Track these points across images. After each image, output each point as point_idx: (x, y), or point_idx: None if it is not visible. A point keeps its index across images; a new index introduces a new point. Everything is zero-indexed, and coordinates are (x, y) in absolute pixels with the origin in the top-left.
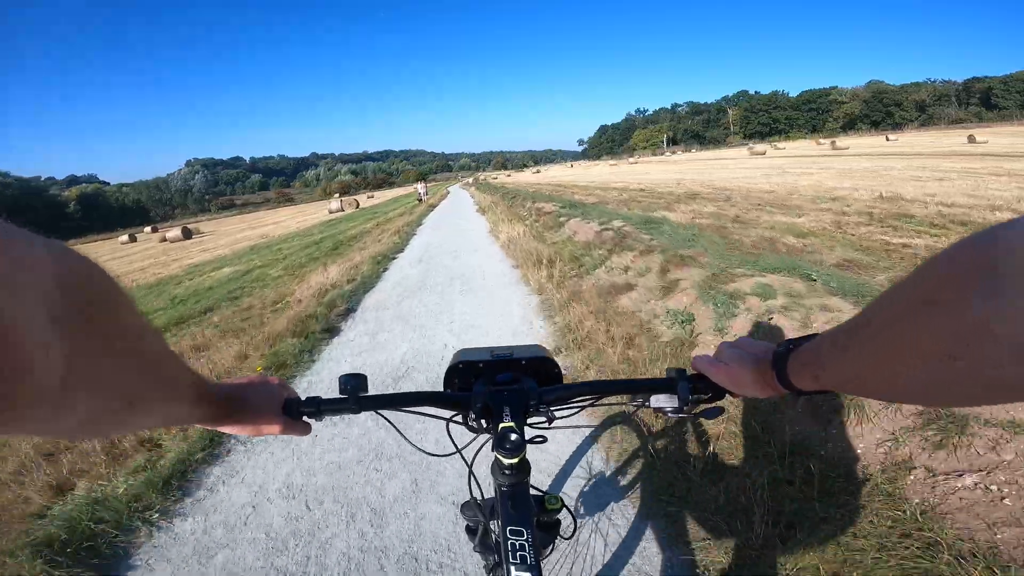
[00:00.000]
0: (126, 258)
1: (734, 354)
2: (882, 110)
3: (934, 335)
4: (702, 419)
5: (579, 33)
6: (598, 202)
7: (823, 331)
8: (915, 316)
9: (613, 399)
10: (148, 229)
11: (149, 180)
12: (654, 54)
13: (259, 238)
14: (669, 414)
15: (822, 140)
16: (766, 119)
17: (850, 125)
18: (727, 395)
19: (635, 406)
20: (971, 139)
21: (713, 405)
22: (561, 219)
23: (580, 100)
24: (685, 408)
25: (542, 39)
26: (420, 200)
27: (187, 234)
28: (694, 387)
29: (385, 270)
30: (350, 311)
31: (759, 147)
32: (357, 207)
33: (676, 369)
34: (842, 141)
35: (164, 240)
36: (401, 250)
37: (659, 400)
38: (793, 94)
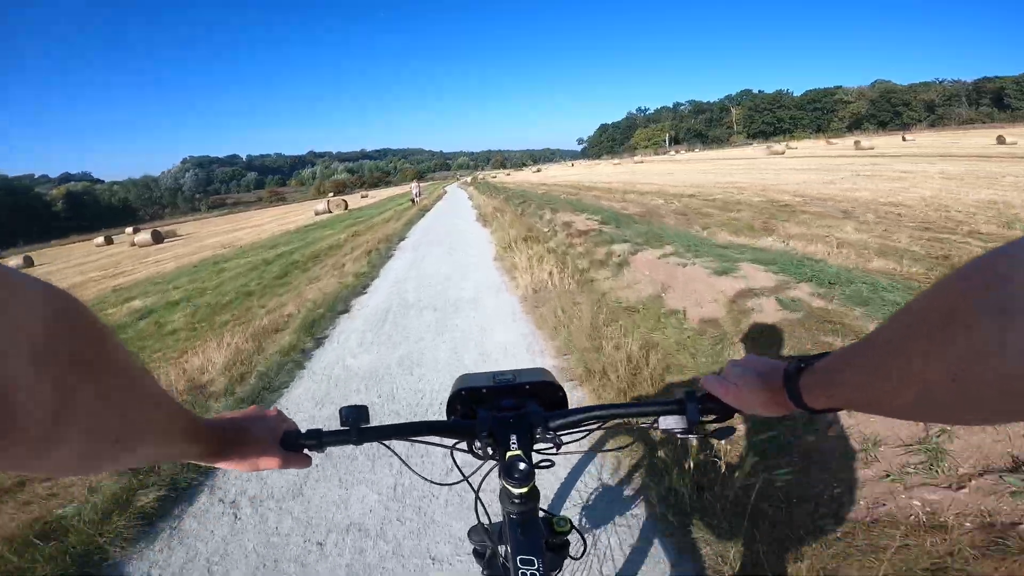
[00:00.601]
0: (78, 267)
1: (742, 373)
2: (890, 110)
3: (944, 355)
4: (713, 439)
5: (579, 32)
6: (644, 213)
7: (836, 349)
8: (926, 336)
9: (621, 422)
10: (130, 230)
11: (138, 179)
12: (655, 52)
13: (223, 247)
14: (679, 435)
15: (833, 140)
16: (771, 118)
17: (856, 125)
18: (736, 414)
19: (644, 428)
20: (1001, 140)
21: (723, 425)
22: (614, 248)
23: (579, 99)
24: (694, 429)
25: (541, 38)
26: (413, 202)
27: (157, 238)
28: (703, 407)
29: (319, 344)
30: (164, 517)
31: (777, 146)
32: (345, 208)
33: (685, 390)
34: (867, 141)
35: (133, 244)
36: (364, 289)
37: (668, 422)
38: (797, 93)
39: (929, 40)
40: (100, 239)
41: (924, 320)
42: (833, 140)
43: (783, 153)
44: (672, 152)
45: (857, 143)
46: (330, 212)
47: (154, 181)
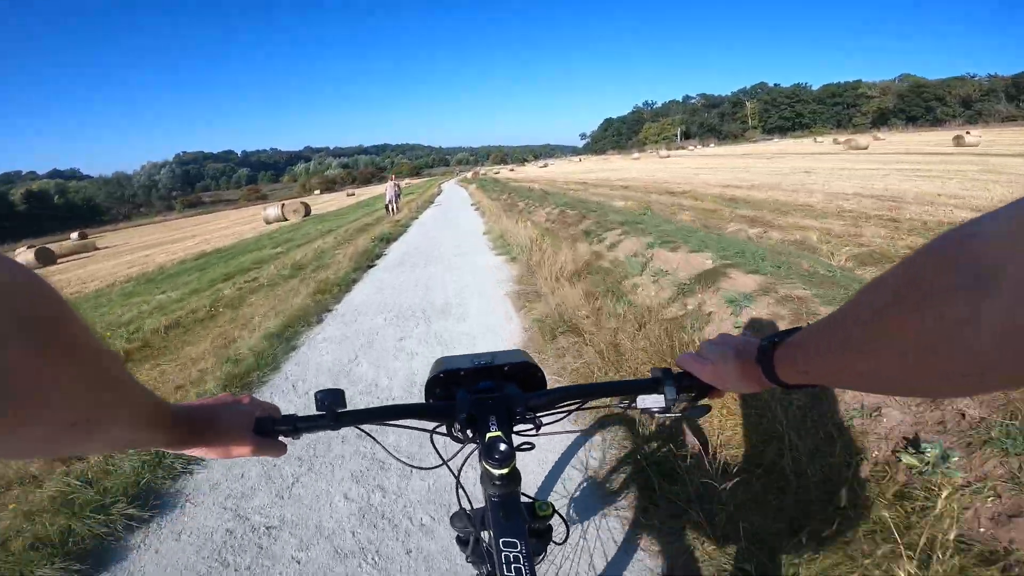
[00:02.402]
0: None
1: (718, 350)
2: (921, 105)
3: (918, 329)
4: (691, 417)
5: (579, 24)
6: None
7: (808, 324)
8: (899, 310)
9: (600, 402)
10: (75, 235)
11: (109, 176)
12: (661, 45)
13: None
14: (656, 415)
15: (879, 136)
16: (789, 113)
17: (881, 120)
18: (713, 392)
19: (621, 408)
20: None
21: (700, 403)
22: None
23: (580, 94)
24: (672, 408)
25: (541, 32)
26: (388, 210)
27: (45, 257)
28: (679, 386)
29: None
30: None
31: (860, 139)
32: (305, 214)
33: (661, 368)
34: (970, 136)
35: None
36: None
37: (645, 401)
38: (813, 87)
39: (957, 34)
40: (23, 248)
41: (896, 294)
42: (880, 136)
43: (867, 148)
44: (690, 148)
45: (959, 139)
46: (285, 220)
47: (127, 178)
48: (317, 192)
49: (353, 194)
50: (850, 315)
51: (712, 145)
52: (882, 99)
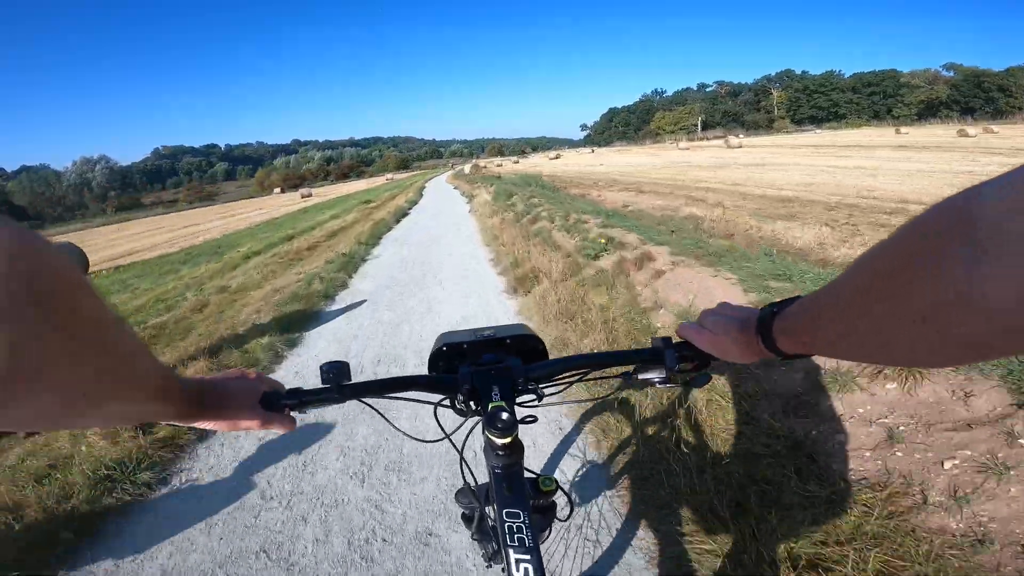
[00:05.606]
0: None
1: (718, 320)
2: (981, 96)
3: (913, 299)
4: (691, 386)
5: (576, 12)
6: None
7: (806, 294)
8: (894, 280)
9: (601, 372)
10: None
11: (35, 173)
12: (667, 30)
13: None
14: (657, 385)
15: (993, 127)
16: (824, 102)
17: (930, 111)
18: (713, 361)
19: (622, 378)
20: None
21: (700, 373)
22: None
23: (578, 84)
24: (673, 378)
25: (536, 22)
26: None
27: None
28: (680, 355)
29: None
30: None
31: None
32: None
33: (662, 338)
34: None
35: None
36: None
37: (646, 371)
38: (845, 75)
39: (1001, 25)
40: None
41: (892, 261)
42: (993, 127)
43: None
44: (730, 139)
45: None
46: None
47: (56, 177)
48: (277, 191)
49: (310, 195)
50: (850, 282)
51: (740, 136)
52: (931, 89)
